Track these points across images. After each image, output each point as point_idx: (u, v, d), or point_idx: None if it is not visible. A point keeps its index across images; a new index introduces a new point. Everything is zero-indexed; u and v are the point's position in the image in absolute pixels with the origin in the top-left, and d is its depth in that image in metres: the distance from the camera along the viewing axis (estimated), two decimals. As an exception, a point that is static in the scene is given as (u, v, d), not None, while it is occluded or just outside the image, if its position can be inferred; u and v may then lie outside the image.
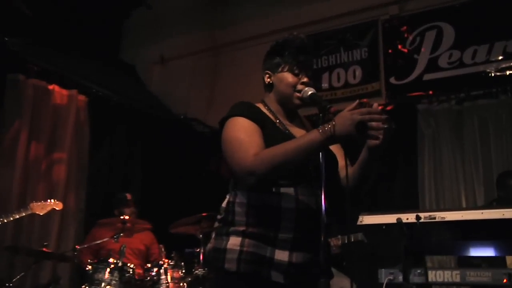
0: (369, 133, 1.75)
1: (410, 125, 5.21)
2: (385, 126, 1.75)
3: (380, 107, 1.80)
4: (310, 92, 2.02)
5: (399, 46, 5.50)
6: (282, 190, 1.92)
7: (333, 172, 2.11)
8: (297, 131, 2.10)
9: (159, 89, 6.99)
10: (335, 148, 2.19)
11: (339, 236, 4.06)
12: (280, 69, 2.12)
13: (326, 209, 1.73)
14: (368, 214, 2.99)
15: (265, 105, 2.15)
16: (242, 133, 1.93)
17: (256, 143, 1.90)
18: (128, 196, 4.90)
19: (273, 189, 1.92)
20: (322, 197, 1.73)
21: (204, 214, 4.13)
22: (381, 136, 1.80)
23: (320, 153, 1.79)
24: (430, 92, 5.21)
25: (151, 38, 7.00)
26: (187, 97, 6.73)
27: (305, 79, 2.08)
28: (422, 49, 5.37)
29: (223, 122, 2.03)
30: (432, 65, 5.26)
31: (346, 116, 1.75)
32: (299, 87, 2.07)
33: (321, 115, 1.86)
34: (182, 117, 6.54)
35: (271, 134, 1.98)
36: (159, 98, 6.85)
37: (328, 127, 1.76)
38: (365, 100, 1.97)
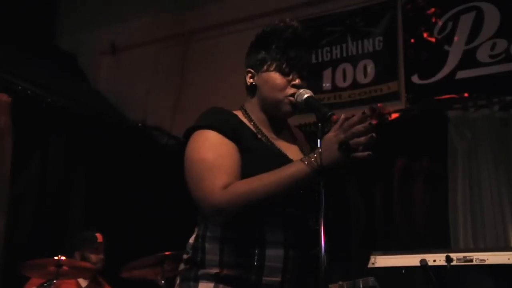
0: (355, 155, 1.82)
1: (438, 138, 5.24)
2: (372, 138, 1.80)
3: (384, 109, 1.86)
4: (305, 96, 2.05)
5: (425, 35, 5.57)
6: (266, 218, 1.94)
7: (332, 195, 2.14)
8: (285, 146, 2.14)
9: (109, 87, 7.00)
10: None
11: (341, 282, 4.05)
12: (265, 67, 2.15)
13: (326, 246, 1.76)
14: (382, 254, 3.01)
15: (245, 113, 2.17)
16: (211, 153, 1.96)
17: (228, 169, 1.94)
18: (99, 237, 4.77)
19: (254, 217, 1.94)
20: (321, 231, 1.76)
21: (167, 253, 4.12)
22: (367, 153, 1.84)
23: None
24: (466, 95, 5.25)
25: (99, 20, 7.01)
26: (146, 98, 6.73)
27: (296, 81, 2.11)
28: (455, 38, 5.42)
29: (188, 133, 2.05)
30: (469, 59, 5.32)
31: (330, 138, 1.84)
32: (289, 90, 2.10)
33: (320, 125, 1.89)
34: (139, 124, 6.54)
35: (251, 147, 2.01)
36: (109, 100, 6.85)
37: (314, 156, 1.84)
38: (379, 105, 2.01)
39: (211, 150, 1.96)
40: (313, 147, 1.99)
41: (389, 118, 5.33)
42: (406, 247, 4.63)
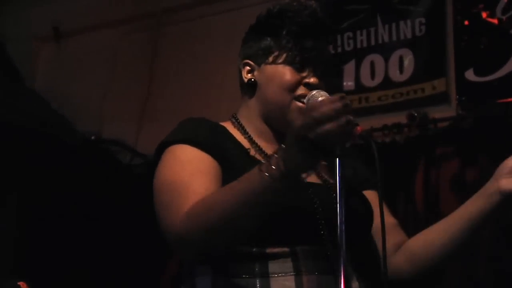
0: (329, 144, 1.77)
1: (502, 156, 5.24)
2: (349, 123, 1.76)
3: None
4: (319, 99, 2.08)
5: (483, 14, 5.59)
6: (272, 264, 2.01)
7: (362, 230, 2.18)
8: None
9: (51, 86, 7.03)
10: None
11: None
12: (271, 58, 2.18)
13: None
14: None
15: (237, 123, 2.21)
16: (179, 172, 2.04)
17: (200, 189, 1.99)
18: (23, 286, 4.79)
19: (256, 266, 2.00)
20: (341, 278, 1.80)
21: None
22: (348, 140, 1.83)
23: (338, 194, 1.86)
24: (541, 97, 5.29)
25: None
26: (102, 101, 6.77)
27: (312, 79, 2.15)
28: (526, 19, 5.46)
29: (159, 152, 2.10)
30: (545, 49, 5.36)
31: (291, 131, 1.79)
32: (300, 91, 2.13)
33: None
34: (93, 137, 6.56)
35: (240, 168, 2.05)
36: (51, 103, 6.86)
37: (274, 159, 1.82)
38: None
39: (180, 168, 2.04)
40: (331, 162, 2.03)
41: (435, 128, 5.35)
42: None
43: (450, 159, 5.17)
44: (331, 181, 2.01)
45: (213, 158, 2.03)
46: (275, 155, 1.81)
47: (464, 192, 5.22)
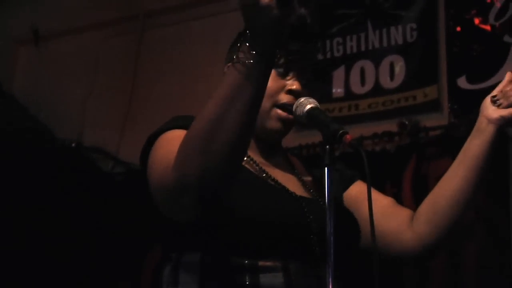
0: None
1: (495, 166, 5.24)
2: None
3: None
4: (308, 106, 2.10)
5: (476, 20, 5.61)
6: (263, 278, 2.02)
7: (351, 244, 2.19)
8: (281, 175, 2.19)
9: (29, 90, 7.00)
10: (356, 195, 2.31)
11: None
12: None
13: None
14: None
15: None
16: (170, 145, 1.97)
17: None
18: None
19: (246, 278, 2.01)
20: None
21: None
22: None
23: (327, 211, 1.88)
24: (534, 105, 5.29)
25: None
26: (83, 107, 6.75)
27: (294, 86, 2.16)
28: (520, 25, 5.48)
29: (149, 144, 2.14)
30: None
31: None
32: (282, 97, 2.15)
33: (328, 147, 1.93)
34: (73, 144, 6.53)
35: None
36: (28, 108, 6.84)
37: (243, 49, 1.79)
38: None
39: (171, 145, 1.96)
40: (316, 176, 2.03)
41: (426, 137, 5.35)
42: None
43: (440, 158, 5.17)
44: (320, 197, 2.03)
45: None
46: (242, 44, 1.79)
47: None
